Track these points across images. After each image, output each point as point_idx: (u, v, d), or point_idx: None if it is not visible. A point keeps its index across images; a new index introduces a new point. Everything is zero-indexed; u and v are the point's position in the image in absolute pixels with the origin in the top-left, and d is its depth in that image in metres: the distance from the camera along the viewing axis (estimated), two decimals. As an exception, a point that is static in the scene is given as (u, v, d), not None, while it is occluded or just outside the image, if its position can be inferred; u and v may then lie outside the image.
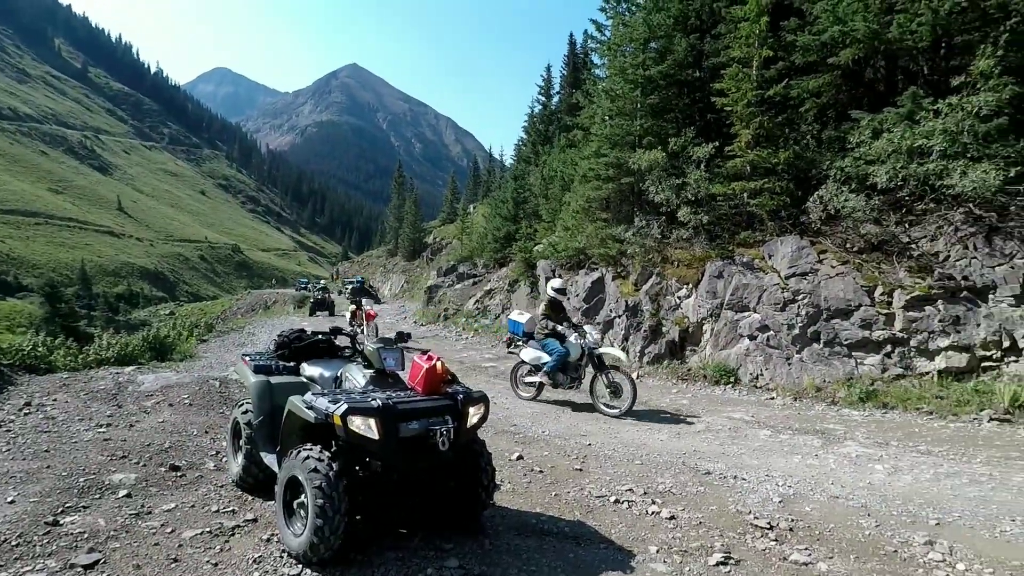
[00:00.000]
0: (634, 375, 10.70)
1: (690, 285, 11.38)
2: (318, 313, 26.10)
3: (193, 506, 4.23)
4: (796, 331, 9.41)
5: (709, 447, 6.41)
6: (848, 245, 9.81)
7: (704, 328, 10.85)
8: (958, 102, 8.76)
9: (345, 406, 3.31)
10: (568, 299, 9.42)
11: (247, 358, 4.72)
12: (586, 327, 8.38)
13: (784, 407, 8.38)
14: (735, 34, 11.78)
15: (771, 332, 9.71)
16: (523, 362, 8.71)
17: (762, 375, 9.60)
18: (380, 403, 3.39)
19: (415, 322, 22.64)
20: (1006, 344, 7.94)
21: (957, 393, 7.76)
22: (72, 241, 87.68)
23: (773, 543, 4.03)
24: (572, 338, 8.18)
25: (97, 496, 4.31)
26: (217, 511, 4.16)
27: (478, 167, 71.74)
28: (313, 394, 3.61)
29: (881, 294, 8.93)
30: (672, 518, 4.39)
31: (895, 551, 3.96)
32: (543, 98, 37.07)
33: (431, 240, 52.84)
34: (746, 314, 10.15)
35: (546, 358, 8.23)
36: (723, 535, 4.14)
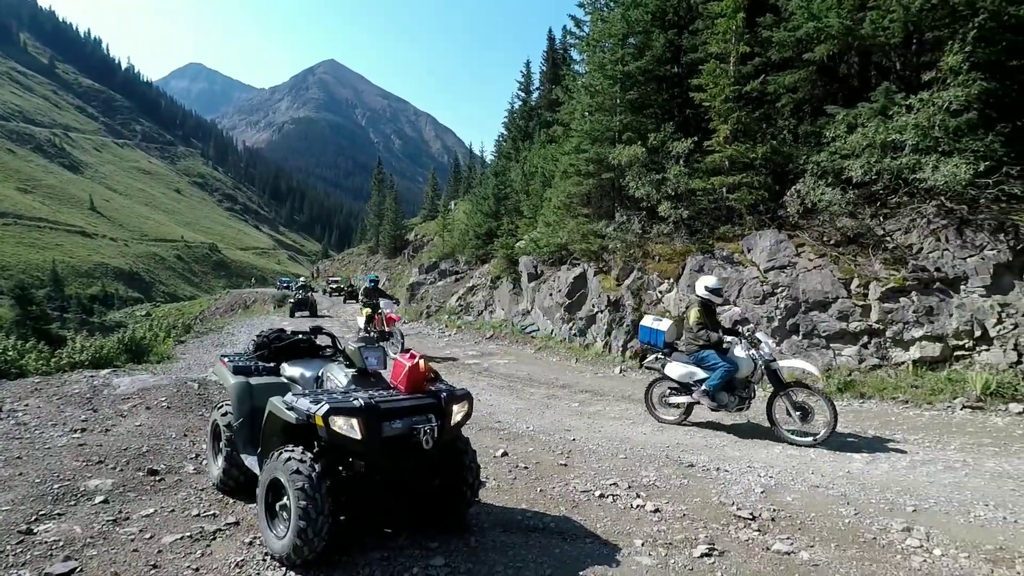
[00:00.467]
0: (616, 370, 10.80)
1: (671, 279, 11.47)
2: (298, 314, 24.81)
3: (172, 511, 4.15)
4: (776, 323, 9.54)
5: (692, 440, 6.47)
6: (825, 238, 9.96)
7: (685, 322, 10.94)
8: (929, 97, 8.93)
9: (327, 406, 3.27)
10: (723, 299, 7.50)
11: (226, 359, 4.64)
12: (759, 335, 6.76)
13: (765, 398, 8.48)
14: (712, 30, 11.88)
15: (751, 325, 9.81)
16: (662, 379, 7.27)
17: (742, 367, 9.70)
18: (362, 403, 3.36)
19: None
20: (977, 333, 8.14)
21: (931, 382, 7.95)
22: (43, 242, 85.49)
23: (756, 533, 4.08)
24: (738, 349, 6.72)
25: (72, 503, 4.21)
26: (197, 515, 4.08)
27: (459, 163, 71.50)
28: (294, 395, 3.57)
29: (857, 286, 9.09)
30: (656, 511, 4.43)
31: (874, 538, 4.03)
32: (523, 94, 37.05)
33: (412, 237, 52.59)
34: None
35: (701, 374, 6.75)
36: (707, 527, 4.18)
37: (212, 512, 4.14)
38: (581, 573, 3.49)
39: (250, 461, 4.03)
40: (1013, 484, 5.01)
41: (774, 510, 4.48)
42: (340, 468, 3.50)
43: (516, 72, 41.00)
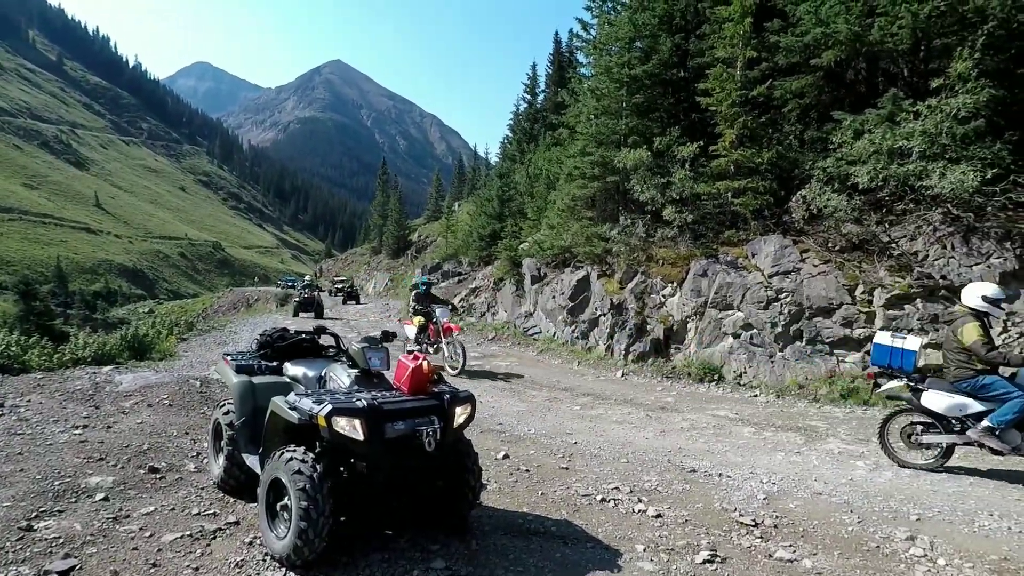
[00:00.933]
0: (618, 373, 10.77)
1: (675, 283, 11.44)
2: (303, 314, 23.58)
3: (173, 509, 4.15)
4: (779, 329, 9.50)
5: (694, 445, 6.44)
6: (830, 244, 9.92)
7: (689, 326, 10.91)
8: (937, 104, 8.89)
9: (330, 407, 3.26)
10: (1002, 309, 5.96)
11: (228, 357, 4.64)
12: None
13: (767, 404, 8.46)
14: (719, 34, 11.85)
15: (754, 330, 9.80)
16: (903, 412, 5.88)
17: (746, 373, 9.67)
18: (365, 403, 3.35)
19: (399, 320, 22.51)
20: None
21: (935, 390, 7.88)
22: (47, 237, 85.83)
23: (758, 540, 4.06)
24: None
25: (73, 500, 4.20)
26: (198, 514, 4.08)
27: (463, 165, 71.59)
28: (296, 394, 3.56)
29: (862, 293, 9.05)
30: (658, 516, 4.40)
31: (878, 547, 4.00)
32: (528, 96, 37.09)
33: (415, 238, 52.61)
34: (730, 312, 10.23)
35: (979, 406, 5.34)
36: (709, 533, 4.16)
37: (212, 511, 4.13)
38: (582, 578, 3.47)
39: (251, 460, 4.02)
40: (1018, 494, 4.97)
41: (777, 517, 4.45)
42: (342, 469, 3.49)
43: (522, 74, 41.18)
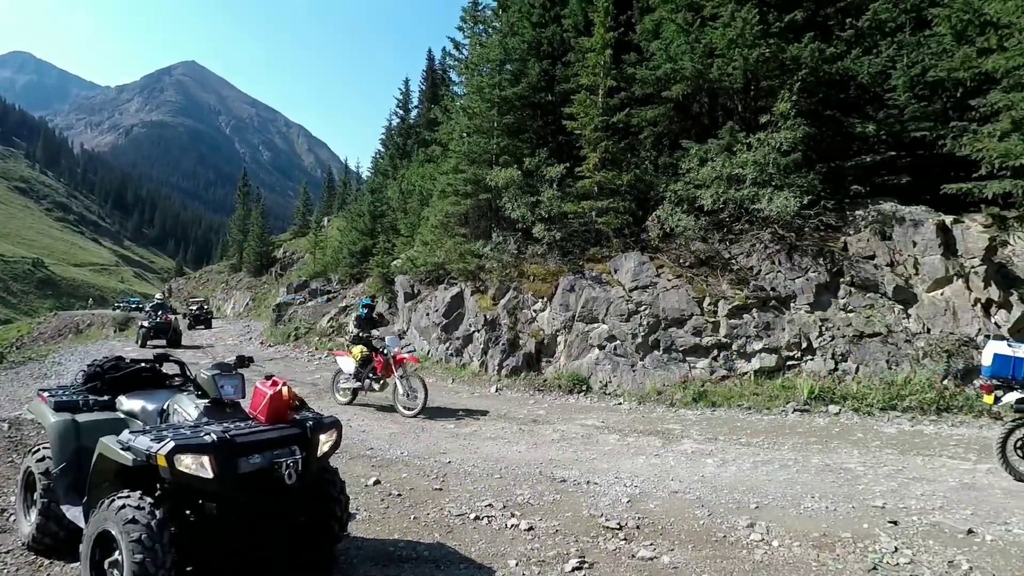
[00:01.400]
0: (492, 389, 10.90)
1: (545, 299, 11.86)
2: (153, 343, 19.38)
3: (-33, 579, 3.47)
4: (639, 340, 10.20)
5: (564, 455, 6.66)
6: (681, 260, 10.88)
7: (558, 340, 11.34)
8: (765, 137, 10.17)
9: (171, 443, 2.92)
10: None
11: (46, 394, 4.00)
12: None
13: (630, 411, 9.00)
14: (583, 63, 12.63)
15: (618, 341, 10.42)
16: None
17: (611, 382, 10.24)
18: (215, 437, 3.04)
19: (262, 343, 21.01)
20: (804, 345, 9.30)
21: (769, 390, 8.93)
22: None
23: (623, 542, 4.27)
24: None
25: None
26: (1, 582, 3.44)
27: (333, 178, 68.91)
28: (132, 432, 3.15)
29: (708, 304, 10.01)
30: (530, 529, 4.48)
31: (724, 536, 4.39)
32: (401, 111, 36.80)
33: (280, 254, 49.54)
34: (595, 325, 10.79)
35: None
36: (578, 540, 4.30)
37: (22, 576, 3.51)
38: (455, 601, 3.42)
39: (73, 513, 3.48)
40: (833, 476, 5.72)
41: (639, 518, 4.72)
42: (188, 512, 3.14)
43: (395, 89, 40.72)
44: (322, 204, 60.39)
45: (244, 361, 3.96)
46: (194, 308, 30.92)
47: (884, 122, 10.57)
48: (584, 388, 10.29)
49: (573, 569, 3.84)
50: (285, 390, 3.50)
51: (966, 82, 9.81)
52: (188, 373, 4.27)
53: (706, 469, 6.07)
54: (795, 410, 8.31)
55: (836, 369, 9.01)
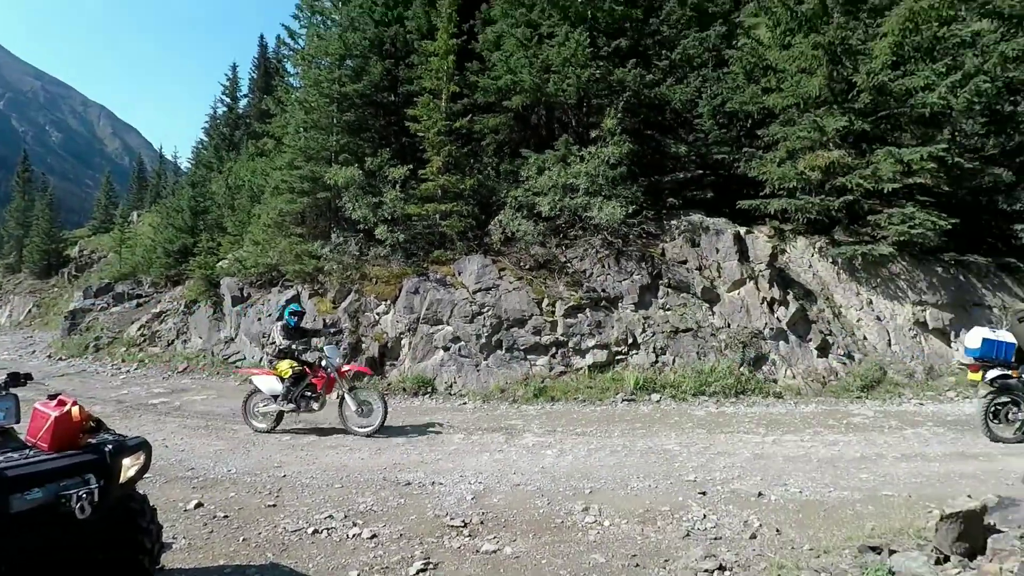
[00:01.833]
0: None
1: (388, 301, 11.60)
2: None
3: None
4: (483, 340, 10.42)
5: (409, 458, 6.56)
6: (522, 263, 11.35)
7: (403, 342, 11.16)
8: (595, 151, 11.01)
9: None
10: None
11: None
12: None
13: (475, 410, 9.15)
14: (426, 66, 12.60)
15: (462, 342, 10.54)
16: (1000, 392, 6.64)
17: (456, 383, 10.32)
18: (-27, 471, 2.50)
19: (49, 357, 17.77)
20: (630, 341, 10.22)
21: (601, 382, 9.66)
22: None
23: (467, 539, 4.31)
24: None
25: None
26: None
27: (145, 168, 60.86)
28: None
29: (547, 305, 10.55)
30: (373, 536, 4.33)
31: (562, 522, 4.64)
32: (228, 99, 33.79)
33: (76, 253, 42.38)
34: (440, 327, 10.81)
35: None
36: (423, 542, 4.26)
37: None
38: (290, 621, 3.18)
39: None
40: (655, 458, 6.35)
41: (483, 513, 4.81)
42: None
43: (220, 75, 37.16)
44: (131, 197, 52.90)
45: (19, 379, 3.31)
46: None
47: (693, 144, 12.11)
48: (430, 390, 10.23)
49: (418, 572, 3.79)
50: (75, 410, 2.99)
51: (754, 115, 11.59)
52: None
53: (545, 460, 6.37)
54: (624, 400, 9.10)
55: (657, 361, 10.03)
